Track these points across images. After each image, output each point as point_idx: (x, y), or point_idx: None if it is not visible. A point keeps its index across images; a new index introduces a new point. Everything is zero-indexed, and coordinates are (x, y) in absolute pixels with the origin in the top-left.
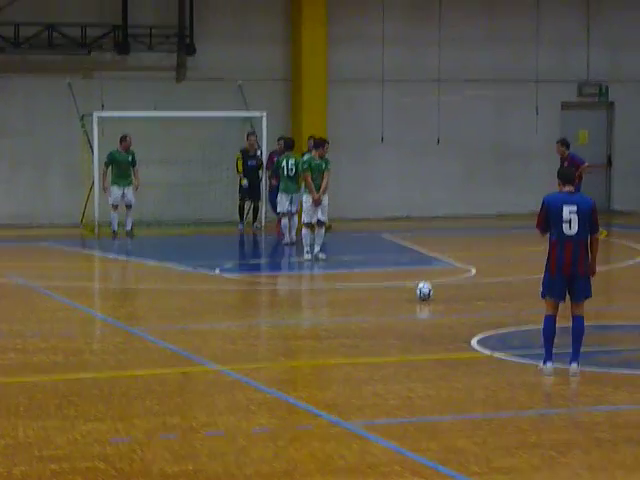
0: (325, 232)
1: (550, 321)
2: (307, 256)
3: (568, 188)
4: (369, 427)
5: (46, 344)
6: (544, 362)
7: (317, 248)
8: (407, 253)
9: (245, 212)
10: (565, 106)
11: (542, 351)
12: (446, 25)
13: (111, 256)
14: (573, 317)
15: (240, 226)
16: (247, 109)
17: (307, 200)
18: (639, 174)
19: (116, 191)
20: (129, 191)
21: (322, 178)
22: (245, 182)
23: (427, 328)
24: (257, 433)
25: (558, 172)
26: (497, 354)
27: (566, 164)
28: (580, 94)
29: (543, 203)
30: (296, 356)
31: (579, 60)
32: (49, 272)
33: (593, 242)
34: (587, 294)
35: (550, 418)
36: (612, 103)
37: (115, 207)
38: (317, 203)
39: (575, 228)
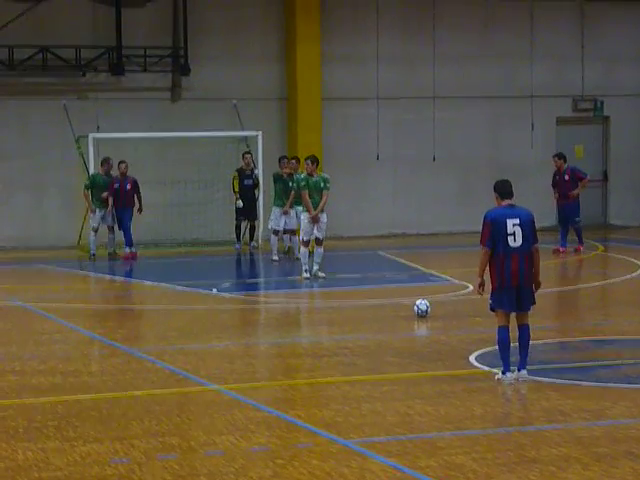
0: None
1: (504, 332)
2: (305, 274)
3: (507, 202)
4: (368, 445)
5: (44, 366)
6: (503, 372)
7: (316, 267)
8: (404, 270)
9: (242, 232)
10: (560, 121)
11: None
12: (440, 42)
13: (108, 277)
14: (519, 326)
15: (237, 246)
16: (242, 128)
17: (305, 218)
18: (635, 188)
19: (97, 214)
20: (109, 213)
21: (321, 196)
22: (239, 202)
23: (425, 345)
24: (256, 452)
25: (495, 186)
26: (495, 370)
27: (567, 177)
28: (575, 109)
29: (485, 219)
30: (294, 375)
31: (574, 75)
32: (46, 294)
33: (534, 253)
34: (532, 302)
35: (549, 433)
36: (607, 118)
37: (96, 230)
38: (315, 221)
39: (519, 240)
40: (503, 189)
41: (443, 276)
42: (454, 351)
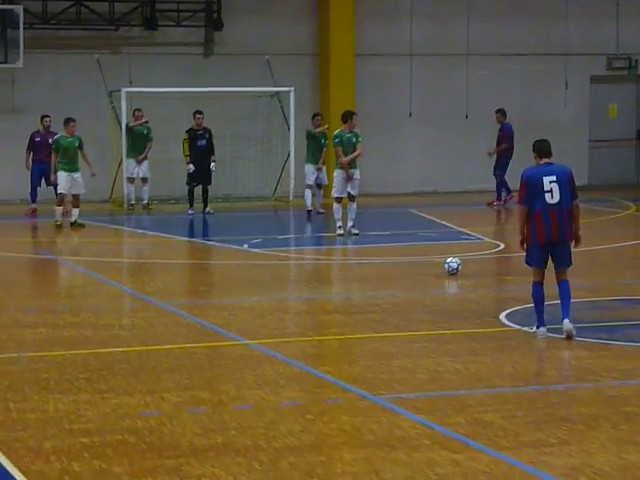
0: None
1: (538, 288)
2: (339, 231)
3: (545, 160)
4: (397, 401)
5: (76, 319)
6: (537, 327)
7: (350, 223)
8: (435, 228)
9: (195, 196)
10: (594, 80)
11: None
12: None
13: (140, 231)
14: (559, 282)
15: (190, 211)
16: (275, 84)
17: (338, 175)
18: None
19: (132, 164)
20: (144, 164)
21: (354, 152)
22: (191, 167)
23: (455, 303)
24: (286, 407)
25: (534, 146)
26: (526, 328)
27: (500, 134)
28: (609, 67)
29: (522, 178)
30: (324, 331)
31: (608, 33)
32: (78, 248)
33: (574, 209)
34: (570, 262)
35: (579, 392)
36: None
37: (131, 180)
38: (348, 178)
39: (557, 196)
40: (541, 148)
41: (474, 234)
42: (484, 309)
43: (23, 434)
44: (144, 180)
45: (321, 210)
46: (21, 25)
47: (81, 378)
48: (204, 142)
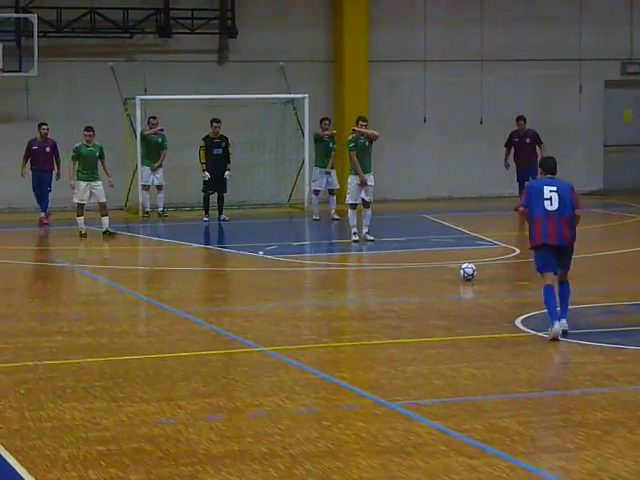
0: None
1: (550, 290)
2: (354, 237)
3: (549, 175)
4: (413, 407)
5: (92, 327)
6: (552, 325)
7: (365, 229)
8: (450, 233)
9: (210, 203)
10: (609, 84)
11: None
12: (488, 4)
13: (155, 239)
14: (561, 283)
15: (205, 218)
16: (289, 91)
17: (352, 181)
18: None
19: (147, 172)
20: (159, 172)
21: (370, 157)
22: (206, 175)
23: (471, 308)
24: (302, 413)
25: (541, 162)
26: (541, 334)
27: (528, 140)
28: (624, 72)
29: (525, 188)
30: (340, 337)
31: (623, 38)
32: (94, 255)
33: (575, 217)
34: (569, 266)
35: (595, 397)
36: None
37: (146, 188)
38: (363, 184)
39: (556, 204)
40: (547, 165)
41: (490, 239)
42: (500, 314)
43: (39, 442)
44: (159, 187)
45: (336, 216)
46: (35, 33)
47: (97, 386)
48: (220, 150)
